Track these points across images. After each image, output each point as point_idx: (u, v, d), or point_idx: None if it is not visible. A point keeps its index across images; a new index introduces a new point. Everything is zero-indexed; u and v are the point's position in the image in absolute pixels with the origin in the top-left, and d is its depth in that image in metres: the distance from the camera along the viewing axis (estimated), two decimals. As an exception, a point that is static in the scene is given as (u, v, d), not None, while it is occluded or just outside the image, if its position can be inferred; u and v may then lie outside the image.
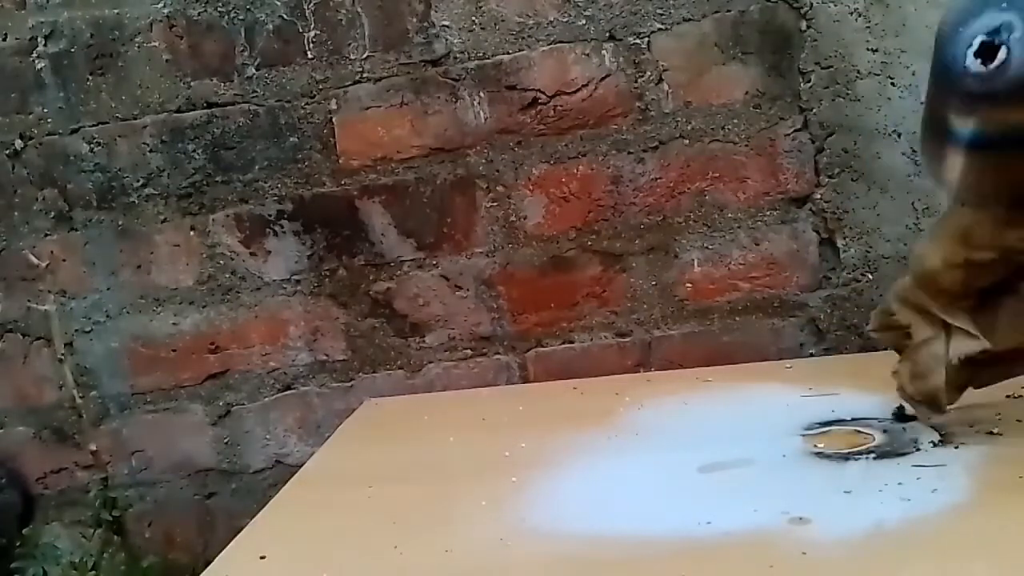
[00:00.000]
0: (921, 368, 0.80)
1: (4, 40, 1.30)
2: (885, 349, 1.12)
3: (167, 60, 1.27)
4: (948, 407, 0.80)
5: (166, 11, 1.26)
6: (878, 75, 1.15)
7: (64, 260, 1.33)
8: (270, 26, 1.24)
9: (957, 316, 0.77)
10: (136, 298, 1.32)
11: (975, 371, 0.79)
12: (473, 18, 1.21)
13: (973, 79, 0.69)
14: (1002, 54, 0.67)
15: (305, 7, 1.23)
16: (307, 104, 1.25)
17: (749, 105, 1.18)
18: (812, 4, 1.15)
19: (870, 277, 1.17)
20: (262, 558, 0.77)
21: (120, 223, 1.31)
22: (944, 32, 0.71)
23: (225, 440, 1.33)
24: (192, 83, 1.27)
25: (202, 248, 1.30)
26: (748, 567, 0.65)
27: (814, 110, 1.17)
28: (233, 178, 1.28)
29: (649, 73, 1.19)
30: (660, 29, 1.18)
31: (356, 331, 1.29)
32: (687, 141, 1.19)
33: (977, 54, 0.68)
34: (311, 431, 1.31)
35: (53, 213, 1.32)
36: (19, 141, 1.31)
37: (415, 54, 1.23)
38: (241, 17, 1.25)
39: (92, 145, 1.30)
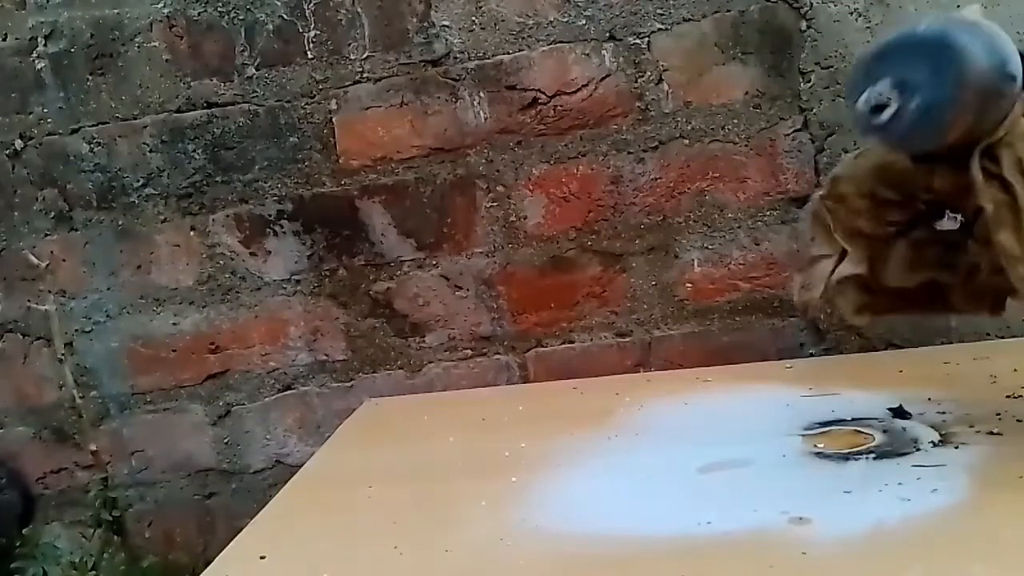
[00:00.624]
0: (809, 280, 0.84)
1: (4, 40, 1.30)
2: (885, 349, 1.13)
3: (167, 60, 1.27)
4: (859, 324, 0.86)
5: (166, 11, 1.26)
6: (878, 75, 1.15)
7: (64, 260, 1.33)
8: (270, 26, 1.25)
9: (853, 242, 0.81)
10: (136, 298, 1.32)
11: (872, 300, 0.82)
12: (473, 18, 1.21)
13: (861, 119, 0.72)
14: (888, 113, 0.70)
15: (305, 7, 1.23)
16: (307, 104, 1.25)
17: (749, 105, 1.18)
18: (812, 4, 1.15)
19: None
20: (262, 558, 0.77)
21: (120, 223, 1.31)
22: (862, 58, 0.74)
23: (225, 440, 1.33)
24: (192, 83, 1.27)
25: (202, 248, 1.30)
26: (748, 567, 0.65)
27: (814, 110, 1.17)
28: (233, 178, 1.28)
29: (649, 73, 1.19)
30: (660, 29, 1.18)
31: (356, 331, 1.29)
32: (687, 141, 1.19)
33: (868, 101, 0.71)
34: (311, 431, 1.31)
35: (53, 213, 1.32)
36: (19, 141, 1.31)
37: (415, 54, 1.23)
38: (241, 17, 1.25)
39: (92, 145, 1.30)
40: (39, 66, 1.29)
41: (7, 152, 1.31)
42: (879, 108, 0.70)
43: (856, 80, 0.72)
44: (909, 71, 0.69)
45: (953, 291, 0.79)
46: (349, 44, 1.24)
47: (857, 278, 0.81)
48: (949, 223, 0.78)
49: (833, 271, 0.81)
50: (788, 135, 1.17)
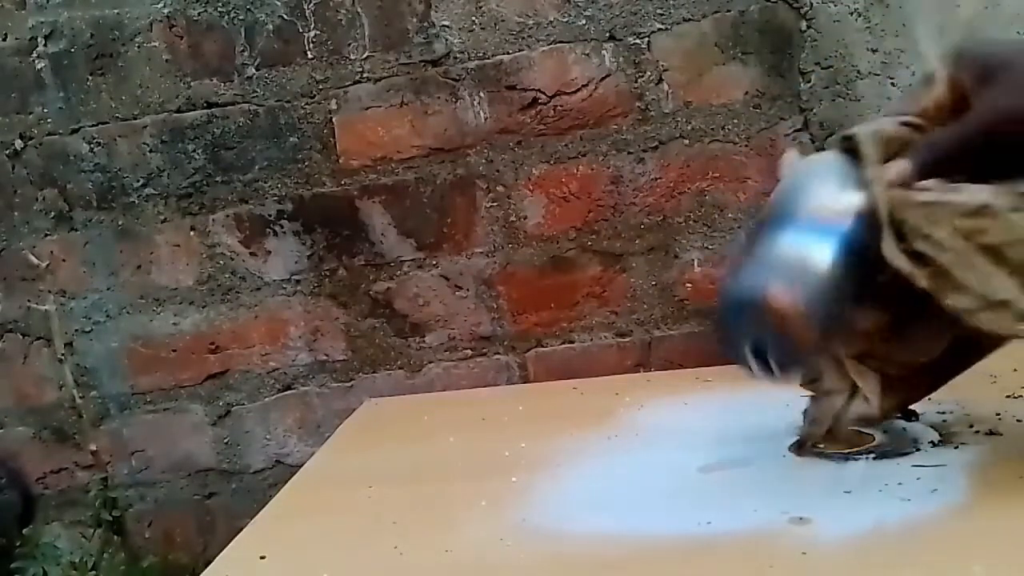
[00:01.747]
0: (816, 415, 0.82)
1: (4, 40, 1.30)
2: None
3: (167, 60, 1.27)
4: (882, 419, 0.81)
5: (166, 11, 1.26)
6: (878, 75, 1.15)
7: (64, 260, 1.33)
8: (270, 26, 1.25)
9: (865, 377, 0.78)
10: (136, 298, 1.32)
11: (903, 389, 0.79)
12: (473, 18, 1.21)
13: (748, 365, 0.70)
14: (759, 372, 0.69)
15: (305, 7, 1.23)
16: (307, 104, 1.26)
17: (749, 105, 1.18)
18: (812, 4, 1.15)
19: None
20: (262, 558, 0.77)
21: (120, 223, 1.31)
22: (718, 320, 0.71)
23: (225, 440, 1.33)
24: (192, 83, 1.27)
25: (202, 248, 1.30)
26: (748, 567, 0.65)
27: (814, 110, 1.17)
28: (233, 178, 1.28)
29: (649, 73, 1.19)
30: (660, 29, 1.18)
31: (356, 331, 1.29)
32: (687, 141, 1.19)
33: (748, 363, 0.69)
34: (311, 431, 1.31)
35: (53, 213, 1.32)
36: (19, 141, 1.31)
37: (415, 54, 1.23)
38: (241, 17, 1.25)
39: (92, 145, 1.30)
40: (39, 66, 1.29)
41: (7, 152, 1.31)
42: (759, 365, 0.69)
43: (727, 342, 0.70)
44: (751, 333, 0.68)
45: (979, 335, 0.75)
46: (349, 44, 1.24)
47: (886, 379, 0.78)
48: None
49: (843, 408, 0.79)
50: (788, 135, 1.17)
